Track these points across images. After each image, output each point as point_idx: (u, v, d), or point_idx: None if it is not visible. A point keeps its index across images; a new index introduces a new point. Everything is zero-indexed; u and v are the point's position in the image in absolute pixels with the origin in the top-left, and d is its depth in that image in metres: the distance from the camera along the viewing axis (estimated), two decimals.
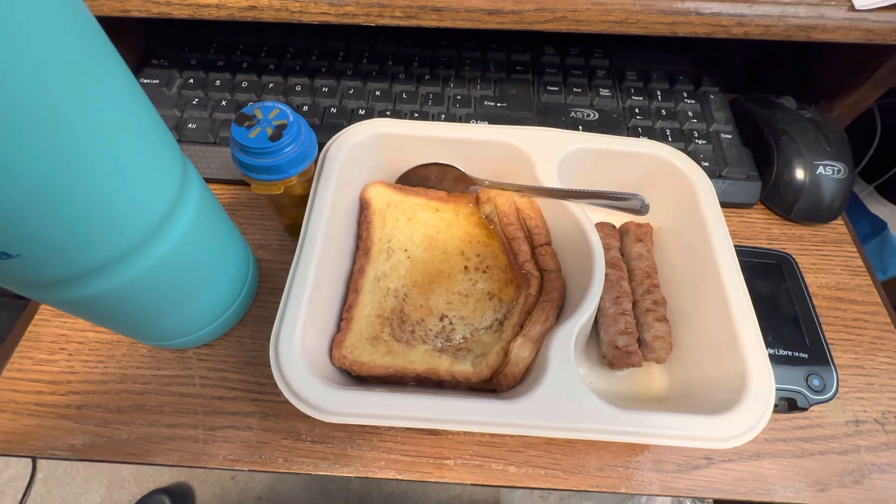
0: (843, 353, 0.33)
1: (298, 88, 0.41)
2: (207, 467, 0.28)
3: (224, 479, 0.92)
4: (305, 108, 0.40)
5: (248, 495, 0.90)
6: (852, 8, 0.32)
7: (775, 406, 0.30)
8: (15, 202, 0.17)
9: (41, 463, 0.93)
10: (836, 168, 0.37)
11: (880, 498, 0.28)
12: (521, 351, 0.27)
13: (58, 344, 0.32)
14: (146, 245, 0.23)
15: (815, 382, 0.30)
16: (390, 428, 0.30)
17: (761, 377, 0.25)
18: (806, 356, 0.31)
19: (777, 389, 0.29)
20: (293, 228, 0.36)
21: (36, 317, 0.33)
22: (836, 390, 0.30)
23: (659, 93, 0.43)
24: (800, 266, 0.35)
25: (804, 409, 0.30)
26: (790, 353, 0.31)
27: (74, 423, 0.29)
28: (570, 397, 0.24)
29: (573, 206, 0.31)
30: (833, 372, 0.31)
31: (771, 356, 0.31)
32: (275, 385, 0.24)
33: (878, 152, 0.62)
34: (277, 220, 0.38)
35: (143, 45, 0.45)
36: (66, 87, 0.16)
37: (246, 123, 0.28)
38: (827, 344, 0.32)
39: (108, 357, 0.32)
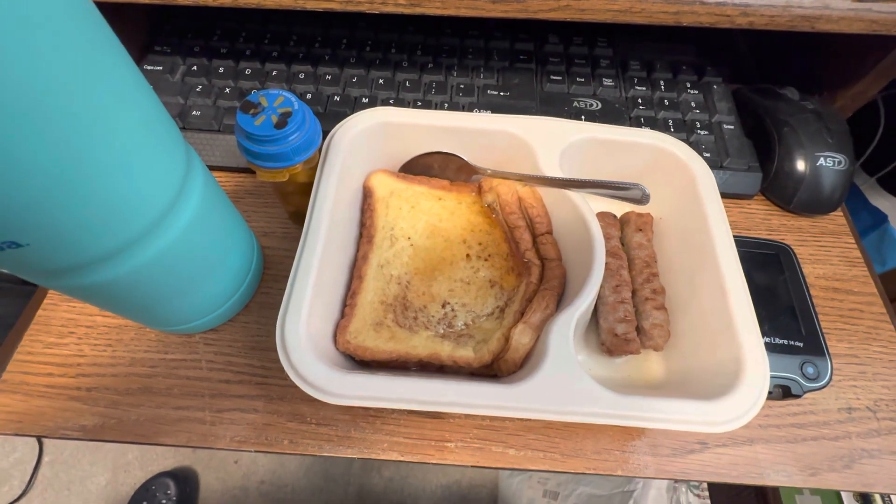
0: (838, 342, 0.34)
1: (302, 76, 0.41)
2: (214, 448, 0.29)
3: (227, 463, 0.93)
4: (309, 96, 0.41)
5: (250, 479, 0.92)
6: None
7: (770, 393, 0.30)
8: (23, 192, 0.17)
9: (47, 446, 0.94)
10: (836, 160, 0.38)
11: (869, 482, 0.29)
12: (521, 337, 0.28)
13: (67, 328, 0.32)
14: (151, 234, 0.23)
15: (810, 370, 0.31)
16: (393, 411, 0.30)
17: (756, 364, 0.26)
18: (801, 345, 0.32)
19: (772, 377, 0.30)
20: (297, 216, 0.37)
21: (45, 301, 0.33)
22: (830, 378, 0.31)
23: (662, 83, 0.43)
24: (798, 256, 0.35)
25: (798, 396, 0.31)
26: (786, 341, 0.32)
27: (84, 405, 0.30)
28: (568, 382, 0.25)
29: (575, 196, 0.31)
30: (827, 360, 0.31)
31: (767, 344, 0.31)
32: (280, 369, 0.25)
33: (880, 144, 0.62)
34: (281, 208, 0.38)
35: (147, 31, 0.45)
36: (70, 77, 0.16)
37: (251, 111, 0.28)
38: (822, 333, 0.32)
39: (117, 341, 0.32)
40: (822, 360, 0.31)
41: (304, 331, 0.25)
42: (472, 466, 0.29)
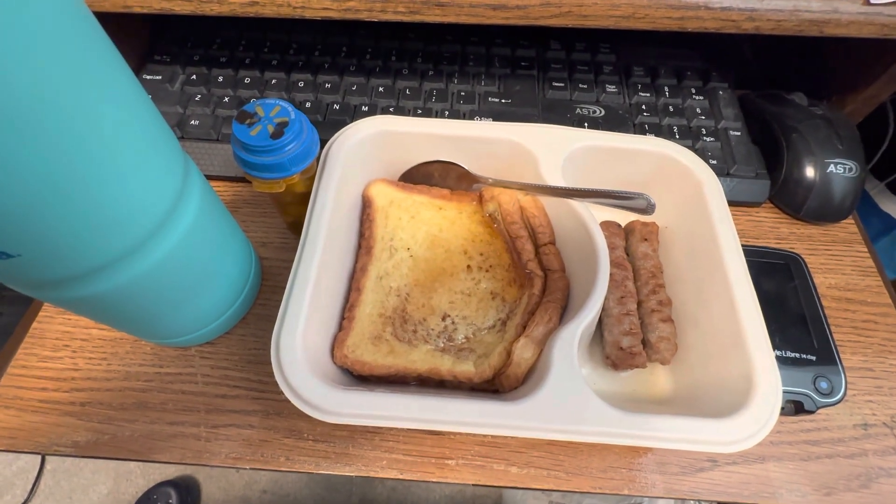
0: (852, 355, 0.33)
1: (301, 84, 0.41)
2: (209, 465, 0.28)
3: (229, 472, 0.93)
4: (308, 105, 0.40)
5: (252, 488, 0.91)
6: (867, 2, 0.32)
7: (782, 409, 0.29)
8: (15, 201, 0.17)
9: (47, 455, 0.94)
10: (847, 166, 0.37)
11: (888, 502, 0.28)
12: (523, 352, 0.27)
13: (62, 341, 0.32)
14: (147, 244, 0.23)
15: (823, 385, 0.30)
16: (392, 427, 0.29)
17: (768, 379, 0.25)
18: (814, 358, 0.31)
19: (784, 392, 0.29)
20: (295, 226, 0.36)
21: (40, 314, 0.33)
22: (845, 393, 0.30)
23: (666, 89, 0.42)
24: (809, 266, 0.34)
25: (811, 412, 0.29)
26: (798, 354, 0.31)
27: (78, 420, 0.29)
28: (573, 399, 0.24)
29: (578, 205, 0.30)
30: (841, 374, 0.30)
31: (778, 358, 0.30)
32: (277, 383, 0.24)
33: (890, 149, 0.61)
34: (280, 218, 0.38)
35: (146, 41, 0.45)
36: (67, 87, 0.16)
37: (247, 121, 0.27)
38: (835, 346, 0.31)
39: (112, 354, 0.32)
40: (835, 375, 0.30)
41: (300, 346, 0.25)
42: (473, 485, 0.28)
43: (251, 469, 0.28)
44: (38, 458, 0.93)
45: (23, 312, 0.34)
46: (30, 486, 0.91)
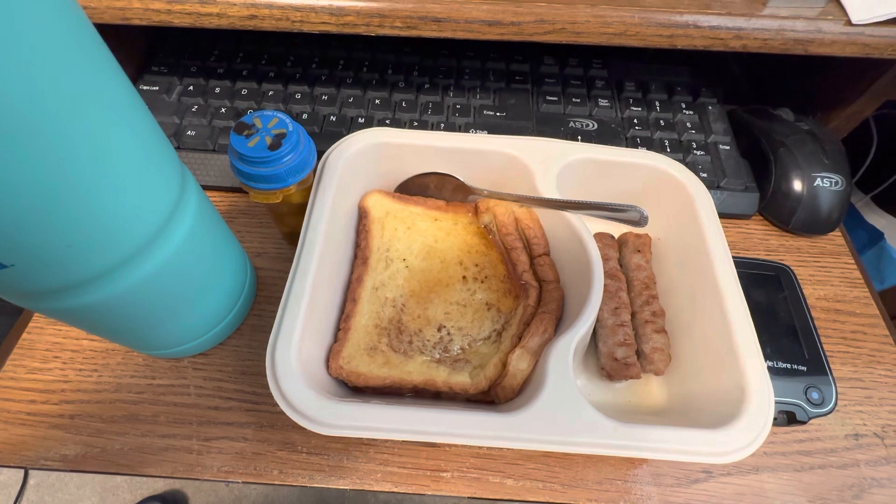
0: (842, 365, 0.33)
1: (298, 96, 0.41)
2: (201, 479, 0.28)
3: (218, 486, 0.91)
4: (305, 116, 0.41)
5: (242, 503, 0.89)
6: (849, 22, 0.33)
7: (774, 419, 0.30)
8: (9, 211, 0.17)
9: (34, 469, 0.91)
10: (833, 180, 0.38)
11: None
12: (519, 363, 0.27)
13: (52, 352, 0.32)
14: (142, 254, 0.22)
15: (815, 395, 0.30)
16: (387, 439, 0.29)
17: (760, 390, 0.25)
18: (805, 369, 0.31)
19: (776, 402, 0.29)
20: (292, 237, 0.36)
21: (30, 324, 0.33)
22: (836, 403, 0.30)
23: (657, 104, 0.43)
24: (798, 277, 0.35)
25: (803, 423, 0.30)
26: (789, 365, 0.31)
27: (67, 433, 0.29)
28: (568, 410, 0.24)
29: (572, 217, 0.31)
30: (832, 385, 0.30)
31: (770, 368, 0.30)
32: (271, 395, 0.24)
33: (874, 163, 0.62)
34: (276, 229, 0.38)
35: (144, 52, 0.45)
36: (64, 97, 0.16)
37: (245, 132, 0.28)
38: (826, 356, 0.32)
39: (103, 366, 0.31)
40: (826, 385, 0.30)
41: (295, 357, 0.25)
42: (469, 498, 0.28)
43: (242, 483, 0.28)
44: (22, 472, 0.91)
45: (12, 323, 0.33)
46: (12, 502, 0.88)
